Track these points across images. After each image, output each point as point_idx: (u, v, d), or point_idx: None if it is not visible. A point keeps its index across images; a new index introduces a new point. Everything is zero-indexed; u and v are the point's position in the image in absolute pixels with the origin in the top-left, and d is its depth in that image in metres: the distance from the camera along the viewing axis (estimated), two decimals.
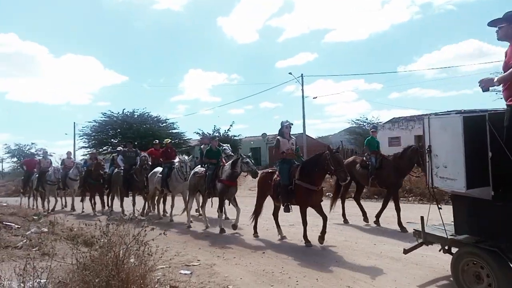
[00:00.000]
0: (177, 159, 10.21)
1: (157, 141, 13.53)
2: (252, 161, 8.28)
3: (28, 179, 15.34)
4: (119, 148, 14.15)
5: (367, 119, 39.20)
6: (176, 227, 9.56)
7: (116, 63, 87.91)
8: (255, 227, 8.01)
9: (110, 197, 13.18)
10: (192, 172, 9.56)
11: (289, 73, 29.82)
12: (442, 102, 72.44)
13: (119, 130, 36.45)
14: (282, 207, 7.26)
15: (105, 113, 37.37)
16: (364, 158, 9.15)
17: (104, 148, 36.18)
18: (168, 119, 39.42)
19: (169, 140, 12.35)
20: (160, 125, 38.33)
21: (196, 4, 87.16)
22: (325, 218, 6.74)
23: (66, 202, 15.24)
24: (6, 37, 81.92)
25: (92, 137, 37.28)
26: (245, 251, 6.74)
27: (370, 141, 9.37)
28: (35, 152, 36.79)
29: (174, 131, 38.07)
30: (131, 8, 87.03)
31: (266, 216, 9.15)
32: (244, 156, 8.23)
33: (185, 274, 5.40)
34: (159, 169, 10.92)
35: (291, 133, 7.62)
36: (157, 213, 11.54)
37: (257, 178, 8.05)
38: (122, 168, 12.00)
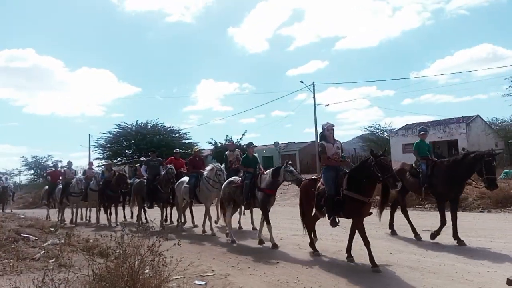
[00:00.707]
0: (209, 167, 9.78)
1: (178, 150, 13.29)
2: (297, 169, 7.79)
3: (53, 191, 15.16)
4: (142, 158, 13.92)
5: (379, 126, 38.90)
6: (189, 237, 9.58)
7: (129, 75, 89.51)
8: (312, 244, 7.07)
9: (131, 207, 13.06)
10: (227, 181, 8.93)
11: (300, 82, 30.01)
12: (456, 108, 71.47)
13: (133, 141, 37.00)
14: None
15: (119, 125, 38.06)
16: (413, 164, 8.24)
17: (118, 159, 36.64)
18: (181, 129, 39.91)
19: (198, 148, 11.90)
20: (173, 135, 38.74)
21: (207, 15, 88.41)
22: (367, 244, 5.80)
23: (90, 215, 14.64)
24: (24, 52, 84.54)
25: (107, 149, 37.87)
26: (260, 261, 6.69)
27: (420, 145, 8.24)
28: (51, 164, 37.45)
29: (187, 141, 38.40)
30: (144, 21, 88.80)
31: (279, 225, 9.12)
32: (288, 164, 7.62)
33: (200, 284, 5.39)
34: (185, 178, 10.55)
35: (334, 136, 6.75)
36: (190, 224, 11.24)
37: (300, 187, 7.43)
38: (145, 178, 11.69)
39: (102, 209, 13.42)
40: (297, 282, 5.32)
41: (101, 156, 37.55)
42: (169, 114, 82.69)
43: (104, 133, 38.24)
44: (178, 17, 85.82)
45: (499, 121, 33.76)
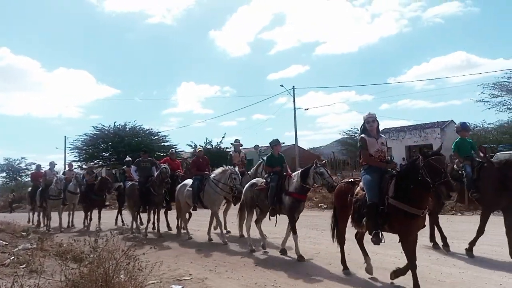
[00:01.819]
0: (220, 169, 8.91)
1: (173, 150, 12.65)
2: (328, 171, 6.80)
3: (34, 194, 14.10)
4: (128, 158, 13.04)
5: (358, 130, 39.47)
6: (168, 240, 9.46)
7: (108, 77, 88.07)
8: (343, 261, 5.81)
9: (121, 213, 12.40)
10: (249, 183, 7.92)
11: (280, 85, 30.13)
12: (432, 113, 73.53)
13: (110, 143, 36.31)
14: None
15: (96, 127, 37.28)
16: (455, 166, 6.92)
17: (95, 161, 35.91)
18: (160, 132, 39.44)
19: (200, 149, 10.81)
20: (152, 138, 38.27)
21: (189, 18, 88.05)
22: (413, 268, 4.57)
23: (72, 220, 13.88)
24: None
25: (83, 151, 37.01)
26: (237, 264, 6.67)
27: (460, 144, 6.94)
28: (25, 167, 36.35)
29: (166, 143, 38.00)
30: (125, 23, 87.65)
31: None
32: (319, 165, 6.69)
33: None
34: (189, 181, 9.73)
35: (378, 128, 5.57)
36: (184, 231, 10.03)
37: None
38: (137, 180, 10.84)
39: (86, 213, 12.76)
40: (275, 285, 5.33)
41: (77, 159, 36.70)
42: (149, 117, 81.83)
43: (80, 135, 37.42)
44: (159, 19, 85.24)
45: (472, 126, 34.87)
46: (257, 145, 17.10)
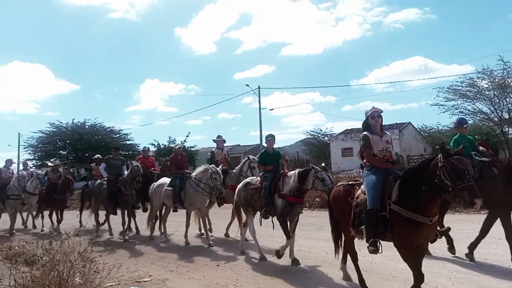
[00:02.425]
0: (201, 168, 8.45)
1: (148, 147, 11.71)
2: (330, 175, 6.28)
3: None
4: (96, 156, 12.20)
5: (321, 130, 40.35)
6: (128, 243, 9.20)
7: (67, 72, 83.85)
8: (362, 283, 4.88)
9: (94, 214, 10.91)
10: (243, 182, 7.24)
11: (246, 85, 30.23)
12: (391, 115, 76.34)
13: (68, 141, 35.00)
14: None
15: (53, 123, 35.76)
16: None
17: (51, 160, 34.39)
18: (121, 130, 38.40)
19: (179, 145, 10.20)
20: (113, 136, 37.21)
21: (153, 14, 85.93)
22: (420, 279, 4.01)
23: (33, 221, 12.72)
24: None
25: (38, 149, 35.38)
26: (199, 264, 6.62)
27: (459, 141, 6.14)
28: None
29: (128, 142, 37.08)
30: (85, 16, 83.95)
31: (219, 228, 9.10)
32: (319, 168, 6.09)
33: None
34: (165, 180, 9.17)
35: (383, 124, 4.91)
36: (159, 233, 9.69)
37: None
38: (106, 178, 10.07)
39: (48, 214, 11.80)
40: (236, 285, 5.34)
41: (32, 157, 35.01)
42: (110, 114, 79.16)
43: (36, 132, 35.69)
44: (122, 13, 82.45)
45: (428, 128, 36.62)
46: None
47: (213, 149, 9.71)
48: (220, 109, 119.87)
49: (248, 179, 7.29)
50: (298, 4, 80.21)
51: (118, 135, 37.62)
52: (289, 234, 6.19)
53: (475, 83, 27.12)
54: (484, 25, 66.59)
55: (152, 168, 10.86)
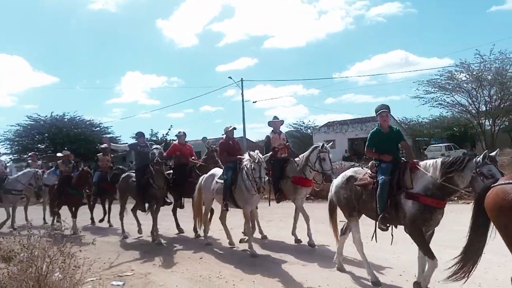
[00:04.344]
0: (245, 156, 6.59)
1: (184, 132, 9.20)
2: (330, 156, 6.21)
3: None
4: (104, 145, 11.01)
5: (303, 123, 40.64)
6: (110, 235, 9.10)
7: (46, 64, 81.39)
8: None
9: (120, 210, 9.14)
10: (341, 176, 5.26)
11: (229, 77, 30.02)
12: (373, 107, 76.59)
13: (46, 134, 34.22)
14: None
15: (31, 117, 34.87)
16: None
17: (29, 154, 33.58)
18: (102, 123, 37.75)
19: (231, 127, 7.51)
20: (94, 129, 36.57)
21: (134, 6, 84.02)
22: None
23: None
24: None
25: (16, 143, 34.49)
26: (182, 258, 6.59)
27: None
28: None
29: (108, 135, 36.46)
30: (65, 8, 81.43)
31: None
32: (324, 149, 6.20)
33: (117, 285, 5.16)
34: (217, 171, 7.42)
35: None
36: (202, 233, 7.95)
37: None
38: (134, 170, 8.66)
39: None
40: (219, 277, 5.34)
41: (9, 151, 34.13)
42: (90, 107, 77.19)
43: (13, 125, 34.74)
44: (101, 5, 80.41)
45: (408, 120, 37.37)
46: (205, 137, 16.88)
47: (268, 134, 7.77)
48: (202, 101, 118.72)
49: (350, 172, 5.22)
50: None
51: (98, 128, 37.00)
52: (432, 253, 4.19)
53: (454, 76, 27.71)
54: (463, 19, 67.84)
55: (192, 158, 8.93)
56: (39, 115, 35.22)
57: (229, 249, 7.01)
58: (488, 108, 27.15)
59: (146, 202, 8.18)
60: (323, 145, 6.74)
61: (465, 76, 26.98)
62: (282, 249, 6.72)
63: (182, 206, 8.78)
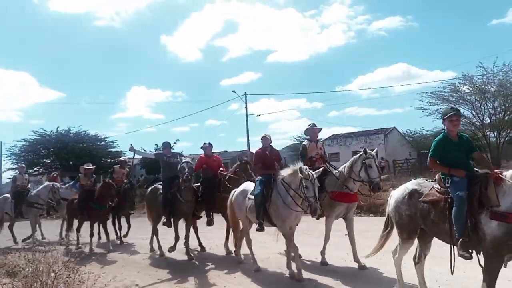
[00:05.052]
0: (289, 169, 5.74)
1: (209, 142, 8.44)
2: (378, 164, 5.62)
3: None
4: (123, 158, 10.97)
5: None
6: (114, 250, 9.06)
7: (52, 80, 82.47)
8: None
9: (152, 226, 8.55)
10: (402, 190, 4.50)
11: (233, 91, 30.24)
12: (377, 120, 77.27)
13: (52, 149, 34.40)
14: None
15: (37, 131, 35.08)
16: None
17: (35, 168, 33.80)
18: (107, 137, 37.84)
19: (266, 135, 6.95)
20: (99, 143, 36.71)
21: (139, 22, 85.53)
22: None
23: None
24: None
25: (22, 157, 34.69)
26: (187, 272, 6.54)
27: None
28: None
29: (113, 149, 36.61)
30: (71, 24, 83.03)
31: (207, 234, 8.99)
32: (369, 154, 5.65)
33: None
34: (249, 186, 6.60)
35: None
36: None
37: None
38: (161, 182, 8.17)
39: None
40: None
41: (15, 166, 34.27)
42: (96, 121, 78.21)
43: (19, 141, 34.99)
44: (107, 21, 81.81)
45: (412, 133, 37.26)
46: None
47: (303, 142, 7.23)
48: (207, 115, 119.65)
49: (410, 184, 4.42)
50: (284, 12, 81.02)
51: (103, 143, 37.14)
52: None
53: (457, 88, 27.71)
54: (465, 32, 68.39)
55: (221, 169, 8.17)
56: (44, 130, 35.48)
57: (234, 264, 6.88)
58: (492, 120, 27.04)
59: (173, 217, 7.63)
60: (365, 150, 5.93)
61: (468, 88, 26.95)
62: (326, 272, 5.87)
63: (211, 223, 8.04)
